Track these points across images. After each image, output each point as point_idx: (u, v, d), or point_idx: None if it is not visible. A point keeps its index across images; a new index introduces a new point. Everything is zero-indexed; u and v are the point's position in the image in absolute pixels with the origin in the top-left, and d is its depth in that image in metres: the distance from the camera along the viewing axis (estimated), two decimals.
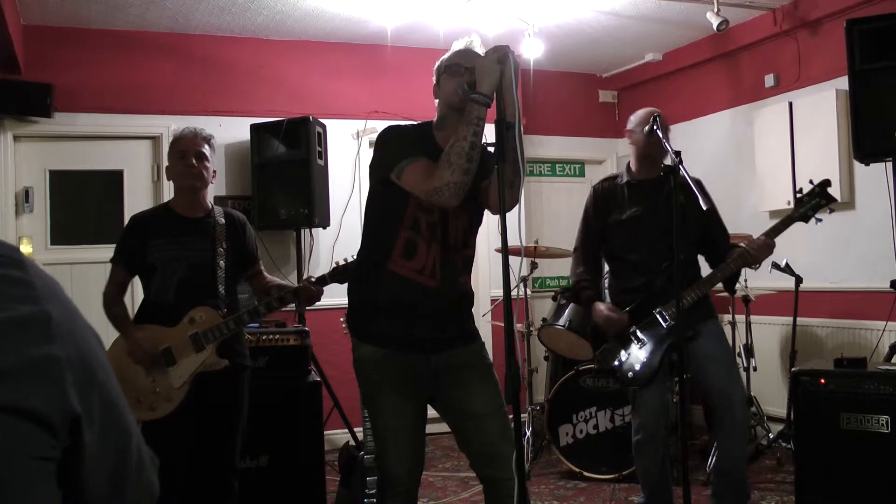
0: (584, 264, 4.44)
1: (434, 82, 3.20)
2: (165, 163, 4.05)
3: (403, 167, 2.97)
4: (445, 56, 3.18)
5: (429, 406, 3.23)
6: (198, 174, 3.84)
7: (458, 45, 3.17)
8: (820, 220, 4.03)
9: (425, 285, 3.07)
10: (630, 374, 4.22)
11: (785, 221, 4.05)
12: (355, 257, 3.54)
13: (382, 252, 3.09)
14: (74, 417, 0.98)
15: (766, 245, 4.03)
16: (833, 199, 4.02)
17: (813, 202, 4.00)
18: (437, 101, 3.20)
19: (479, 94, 2.85)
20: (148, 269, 3.84)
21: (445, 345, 3.13)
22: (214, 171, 3.96)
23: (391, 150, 3.06)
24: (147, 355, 3.69)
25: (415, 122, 3.25)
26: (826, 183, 4.02)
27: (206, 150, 3.89)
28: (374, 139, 3.26)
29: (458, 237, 3.13)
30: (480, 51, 3.11)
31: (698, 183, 3.98)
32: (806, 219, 4.02)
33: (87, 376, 1.02)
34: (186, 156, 3.83)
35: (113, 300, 3.86)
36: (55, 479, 0.98)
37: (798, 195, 4.08)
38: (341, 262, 3.81)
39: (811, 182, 4.06)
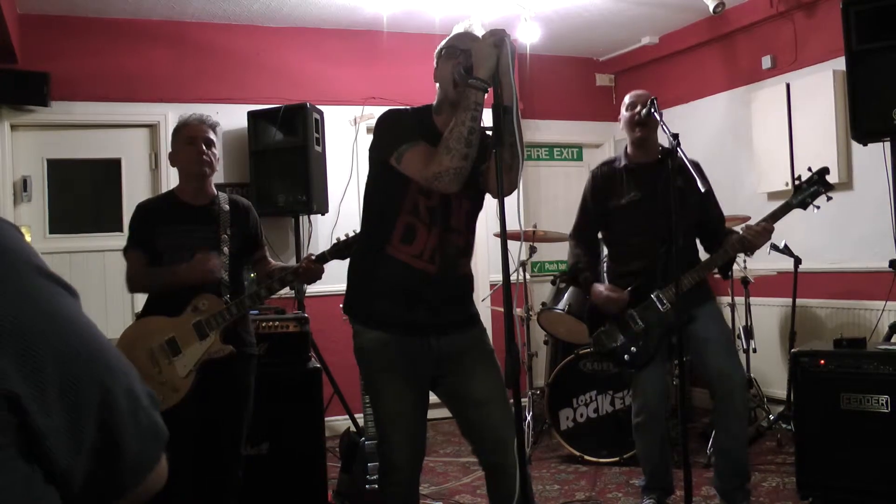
0: (581, 248, 4.45)
1: (435, 66, 3.19)
2: (164, 150, 4.03)
3: (403, 152, 2.97)
4: (445, 40, 3.18)
5: (430, 392, 3.24)
6: (209, 161, 3.84)
7: (457, 29, 3.16)
8: (818, 207, 4.04)
9: (424, 270, 3.07)
10: (627, 356, 4.24)
11: (783, 208, 4.06)
12: (356, 232, 3.54)
13: (382, 237, 3.09)
14: (11, 396, 0.89)
15: (764, 231, 4.04)
16: (831, 187, 4.04)
17: (811, 189, 4.02)
18: (437, 84, 3.20)
19: (476, 78, 2.84)
20: (155, 257, 3.82)
21: (446, 329, 3.13)
22: (218, 159, 3.95)
23: (390, 135, 3.05)
24: (215, 266, 3.72)
25: (414, 107, 3.24)
26: (824, 171, 4.03)
27: (213, 136, 3.89)
28: (373, 124, 3.24)
29: (461, 221, 3.14)
30: (479, 33, 3.09)
31: (696, 166, 4.00)
32: (804, 206, 4.04)
33: (26, 338, 0.92)
34: (196, 142, 3.81)
35: (145, 273, 3.81)
36: (20, 460, 0.91)
37: (797, 182, 4.09)
38: (342, 238, 3.80)
39: (809, 169, 4.08)
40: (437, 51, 3.18)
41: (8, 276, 0.94)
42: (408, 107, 3.25)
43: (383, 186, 3.15)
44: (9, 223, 1.01)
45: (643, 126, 4.20)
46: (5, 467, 0.89)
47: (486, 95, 2.87)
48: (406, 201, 3.06)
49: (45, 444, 0.93)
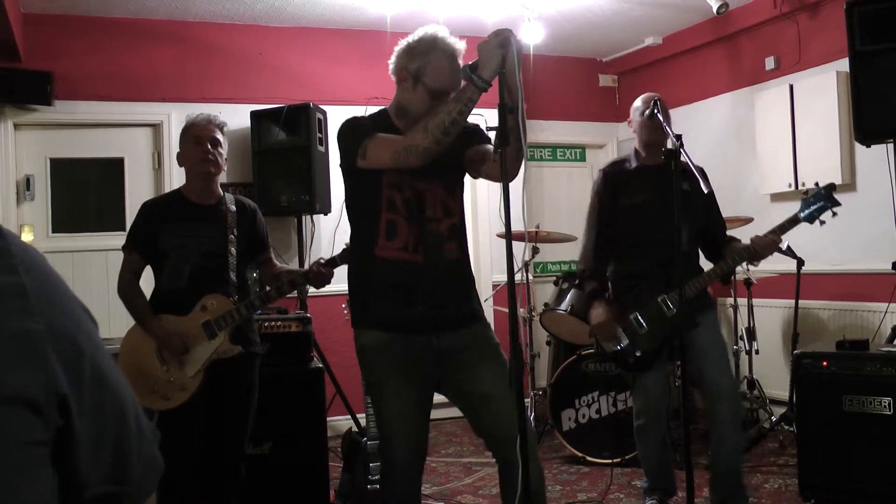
0: (592, 248, 4.39)
1: (401, 68, 3.25)
2: (167, 150, 4.03)
3: (365, 147, 3.03)
4: (418, 40, 3.28)
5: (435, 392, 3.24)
6: (214, 161, 3.84)
7: (417, 35, 3.28)
8: (823, 222, 4.05)
9: (412, 261, 3.09)
10: (631, 359, 4.23)
11: (791, 221, 4.08)
12: None
13: (369, 240, 3.13)
14: (62, 396, 0.94)
15: (772, 242, 4.05)
16: (837, 204, 4.05)
17: (819, 205, 4.03)
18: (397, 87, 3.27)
19: (478, 76, 2.85)
20: (160, 256, 3.81)
21: (447, 326, 3.13)
22: (226, 159, 3.96)
23: (352, 139, 3.12)
24: (180, 345, 3.68)
25: (371, 112, 3.34)
26: (831, 187, 4.06)
27: (220, 136, 3.89)
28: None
29: (437, 208, 3.14)
30: (444, 37, 3.19)
31: (701, 171, 3.98)
32: (811, 220, 4.05)
33: (73, 351, 0.98)
34: (202, 142, 3.82)
35: (131, 289, 3.81)
36: (50, 463, 0.94)
37: (804, 195, 4.10)
38: (349, 244, 3.81)
39: (817, 184, 4.10)
40: (409, 51, 3.24)
41: (66, 298, 1.04)
42: (366, 113, 3.31)
43: (359, 191, 3.22)
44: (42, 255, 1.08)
45: (659, 131, 4.13)
46: (44, 464, 0.94)
47: (481, 94, 2.89)
48: (382, 199, 3.10)
49: (74, 451, 0.98)
